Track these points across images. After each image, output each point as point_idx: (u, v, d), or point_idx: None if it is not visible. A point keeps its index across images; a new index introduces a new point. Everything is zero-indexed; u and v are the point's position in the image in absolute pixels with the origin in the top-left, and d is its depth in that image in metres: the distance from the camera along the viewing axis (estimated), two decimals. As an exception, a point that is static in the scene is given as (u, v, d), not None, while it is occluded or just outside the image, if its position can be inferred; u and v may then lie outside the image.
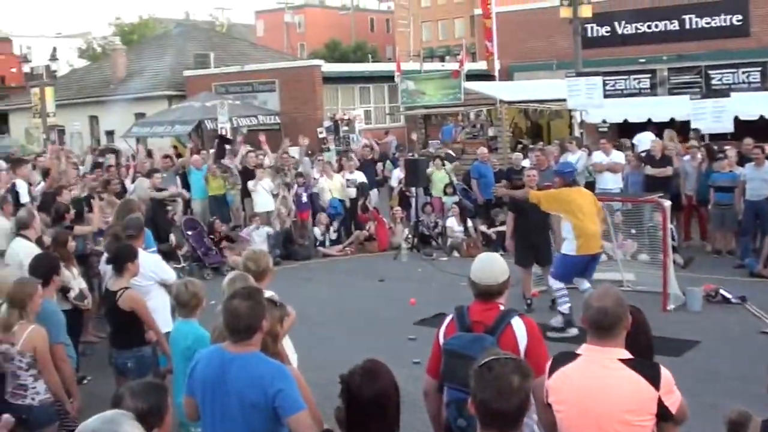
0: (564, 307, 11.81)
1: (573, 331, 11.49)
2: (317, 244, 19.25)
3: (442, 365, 5.23)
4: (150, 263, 8.61)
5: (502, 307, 5.33)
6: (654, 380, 4.34)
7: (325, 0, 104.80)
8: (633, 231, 15.99)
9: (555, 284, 12.08)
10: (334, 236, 19.47)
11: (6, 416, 5.75)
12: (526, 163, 18.82)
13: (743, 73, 21.35)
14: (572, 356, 4.55)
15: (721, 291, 13.57)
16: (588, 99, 20.97)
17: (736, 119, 19.50)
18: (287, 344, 6.40)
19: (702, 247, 17.95)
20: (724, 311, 13.08)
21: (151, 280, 8.60)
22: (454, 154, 24.13)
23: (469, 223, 18.98)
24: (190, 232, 17.73)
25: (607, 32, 38.22)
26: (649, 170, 17.66)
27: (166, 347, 7.58)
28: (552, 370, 4.58)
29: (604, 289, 4.64)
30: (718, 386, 9.38)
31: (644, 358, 4.61)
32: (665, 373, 4.41)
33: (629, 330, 4.55)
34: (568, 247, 11.87)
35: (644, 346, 4.77)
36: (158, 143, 33.71)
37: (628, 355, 4.43)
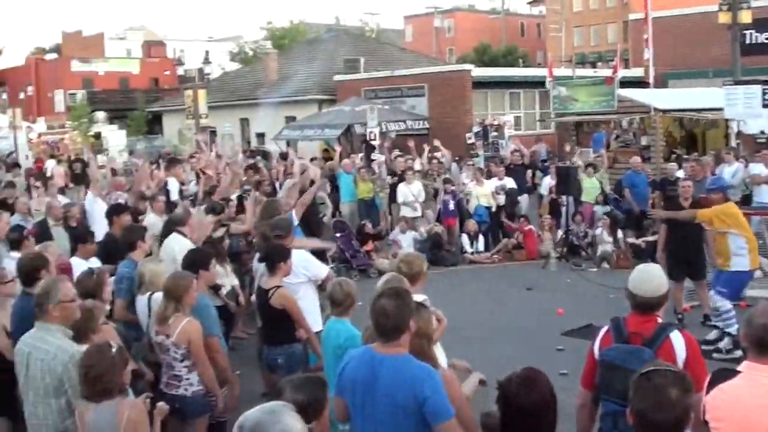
0: (733, 329, 11.32)
1: (738, 353, 11.05)
2: (463, 251, 19.20)
3: (598, 377, 5.16)
4: (301, 261, 8.68)
5: (659, 320, 5.21)
6: None
7: (475, 4, 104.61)
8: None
9: (724, 305, 11.51)
10: (481, 244, 19.35)
11: (161, 404, 5.93)
12: (680, 173, 18.28)
13: None
14: (732, 373, 4.43)
15: None
16: (746, 108, 20.33)
17: None
18: (438, 349, 6.40)
19: None
20: None
21: (303, 278, 8.68)
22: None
23: (620, 234, 18.58)
24: (338, 234, 17.98)
25: (767, 39, 36.93)
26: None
27: (316, 345, 7.69)
28: (710, 387, 4.46)
29: (765, 306, 4.47)
30: None
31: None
32: None
33: None
34: (742, 263, 11.38)
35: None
36: (308, 146, 34.35)
37: None
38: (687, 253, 12.81)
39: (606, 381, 5.04)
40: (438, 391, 4.65)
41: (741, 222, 11.48)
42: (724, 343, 11.40)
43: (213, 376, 6.99)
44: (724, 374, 4.47)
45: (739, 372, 4.38)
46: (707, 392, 4.45)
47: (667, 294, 5.29)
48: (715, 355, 10.65)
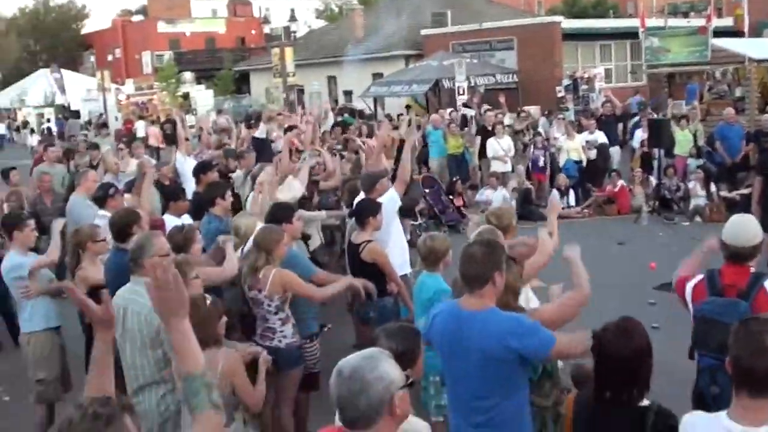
0: None
1: None
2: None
3: (693, 331, 5.11)
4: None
5: (752, 270, 5.13)
6: None
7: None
8: None
9: None
10: (572, 198, 19.15)
11: (264, 353, 6.05)
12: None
13: None
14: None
15: None
16: None
17: None
18: (532, 299, 6.42)
19: None
20: None
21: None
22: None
23: (713, 187, 18.21)
24: (427, 190, 17.99)
25: None
26: None
27: (407, 298, 7.74)
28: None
29: None
30: None
31: None
32: None
33: None
34: None
35: None
36: (395, 103, 34.34)
37: None
38: None
39: (702, 335, 5.00)
40: (528, 335, 4.55)
41: None
42: None
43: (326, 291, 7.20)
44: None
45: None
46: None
47: (761, 245, 5.21)
48: None
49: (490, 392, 4.61)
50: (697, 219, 17.37)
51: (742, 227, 5.22)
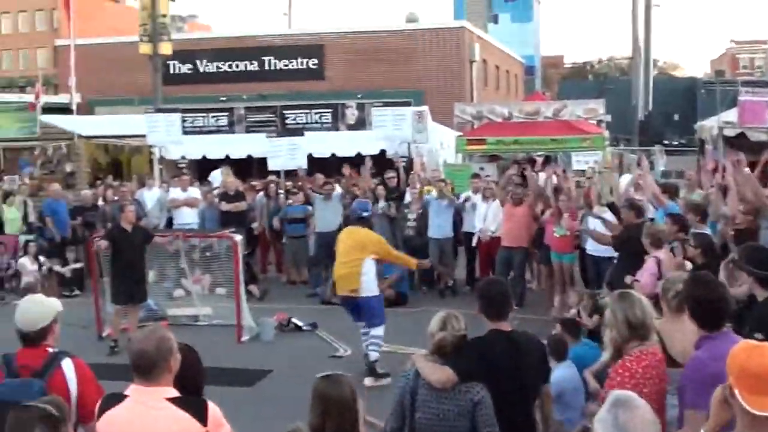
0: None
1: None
2: None
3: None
4: None
5: (50, 350, 5.17)
6: (201, 416, 4.40)
7: None
8: (210, 266, 16.15)
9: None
10: None
11: None
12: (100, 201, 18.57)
13: (316, 113, 22.44)
14: (120, 398, 4.48)
15: (293, 319, 14.13)
16: (167, 135, 21.04)
17: (310, 156, 20.48)
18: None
19: (278, 278, 18.64)
20: (296, 339, 13.64)
21: None
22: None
23: (43, 260, 18.20)
24: None
25: (189, 70, 38.83)
26: (224, 206, 17.95)
27: None
28: (100, 413, 4.49)
29: (147, 332, 4.62)
30: (288, 411, 9.59)
31: (194, 395, 4.63)
32: (212, 407, 4.48)
33: (180, 368, 4.57)
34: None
35: (191, 383, 4.76)
36: None
37: (175, 393, 4.44)
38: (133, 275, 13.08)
39: (-2, 418, 4.88)
40: None
41: None
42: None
43: None
44: (113, 399, 4.50)
45: (126, 396, 4.46)
46: (98, 417, 4.48)
47: (50, 326, 5.24)
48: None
49: None
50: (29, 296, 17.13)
51: (26, 309, 5.25)
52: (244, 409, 8.78)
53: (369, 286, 11.10)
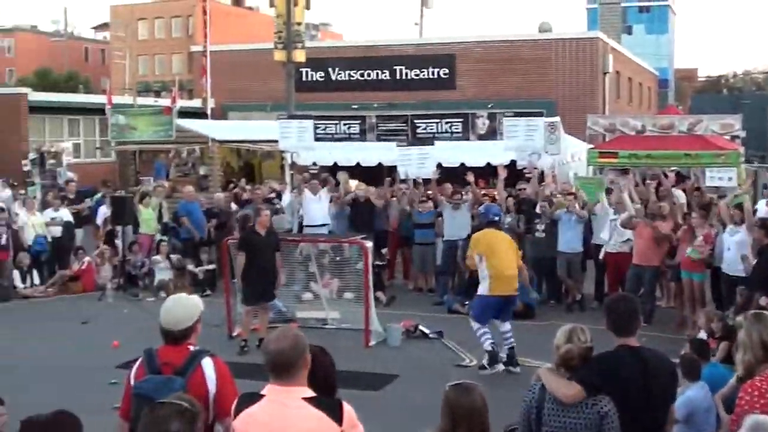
0: (487, 344, 11.92)
1: (499, 367, 11.87)
2: (15, 286, 18.13)
3: (132, 409, 5.09)
4: None
5: (192, 348, 5.26)
6: (336, 416, 4.43)
7: (38, 25, 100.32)
8: (339, 270, 16.34)
9: (474, 325, 12.09)
10: (36, 277, 18.44)
11: None
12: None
13: (446, 123, 22.38)
14: (257, 397, 4.55)
15: (420, 327, 14.16)
16: (299, 141, 21.30)
17: (439, 166, 20.48)
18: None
19: (404, 285, 18.72)
20: (423, 346, 13.65)
21: None
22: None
23: (178, 261, 18.71)
24: None
25: (321, 77, 39.33)
26: (353, 211, 18.18)
27: None
28: (237, 411, 4.57)
29: (281, 331, 4.68)
30: (414, 416, 9.69)
31: (328, 396, 4.66)
32: (347, 408, 4.52)
33: (314, 369, 4.62)
34: (483, 287, 12.01)
35: (324, 384, 4.80)
36: None
37: (310, 393, 4.49)
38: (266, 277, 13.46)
39: (138, 413, 4.98)
40: None
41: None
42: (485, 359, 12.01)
43: None
44: (249, 398, 4.57)
45: (263, 395, 4.53)
46: (235, 416, 4.56)
47: (194, 325, 5.34)
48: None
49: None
50: (162, 294, 17.58)
51: (172, 308, 5.33)
52: (371, 413, 8.77)
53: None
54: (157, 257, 18.62)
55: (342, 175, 20.03)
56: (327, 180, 19.59)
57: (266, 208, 15.70)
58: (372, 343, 13.60)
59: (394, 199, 19.03)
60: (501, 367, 11.89)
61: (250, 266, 13.37)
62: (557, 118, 21.33)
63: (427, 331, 14.13)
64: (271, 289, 13.60)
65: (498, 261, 11.84)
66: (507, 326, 12.18)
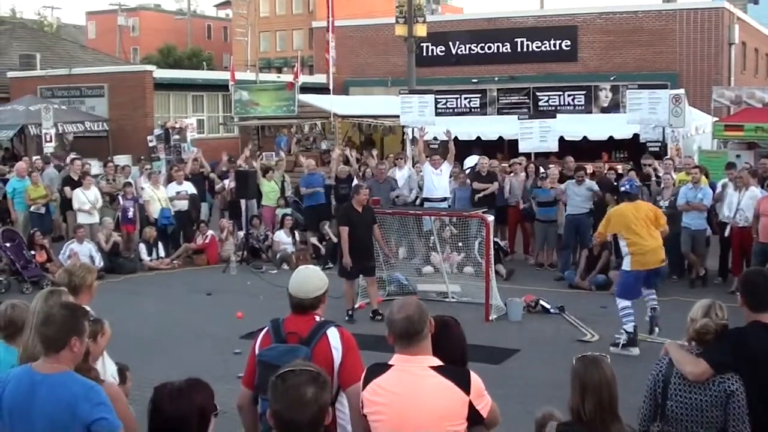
0: (629, 326, 11.68)
1: (635, 351, 11.48)
2: (141, 258, 18.69)
3: (257, 377, 5.16)
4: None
5: (317, 318, 5.30)
6: (464, 385, 4.43)
7: (161, 4, 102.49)
8: (460, 244, 16.31)
9: (619, 302, 11.84)
10: (162, 249, 18.95)
11: None
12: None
13: (569, 95, 22.06)
14: (385, 367, 4.57)
15: (541, 302, 14.04)
16: (420, 116, 21.31)
17: (561, 139, 20.22)
18: (106, 360, 6.14)
19: (525, 260, 18.58)
20: (544, 321, 13.54)
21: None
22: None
23: (298, 235, 18.97)
24: (8, 244, 16.88)
25: (441, 52, 39.15)
26: (476, 185, 18.09)
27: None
28: (366, 382, 4.59)
29: (404, 300, 4.70)
30: (535, 391, 9.65)
31: (457, 366, 4.66)
32: (475, 378, 4.51)
33: (444, 340, 4.66)
34: (626, 263, 11.75)
35: (458, 355, 4.81)
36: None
37: (438, 362, 4.50)
38: (361, 251, 13.53)
39: (263, 380, 5.02)
40: (103, 407, 4.41)
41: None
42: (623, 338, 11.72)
43: None
44: (378, 368, 4.59)
45: (391, 365, 4.55)
46: (364, 386, 4.59)
47: (323, 296, 5.37)
48: (611, 349, 11.23)
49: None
50: (285, 267, 17.86)
51: (302, 278, 5.35)
52: (492, 386, 8.70)
53: None
54: (280, 232, 18.88)
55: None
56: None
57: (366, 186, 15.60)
58: (492, 317, 13.54)
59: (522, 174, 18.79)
60: (637, 351, 11.39)
61: (349, 241, 13.53)
62: (682, 91, 20.79)
63: (548, 306, 13.98)
64: (370, 264, 13.78)
65: (636, 237, 11.52)
66: (651, 291, 11.98)
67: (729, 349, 5.17)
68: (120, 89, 34.09)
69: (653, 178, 17.12)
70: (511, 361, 11.44)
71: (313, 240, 18.89)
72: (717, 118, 24.24)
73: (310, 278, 5.37)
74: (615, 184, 16.39)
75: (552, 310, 13.89)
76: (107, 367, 6.00)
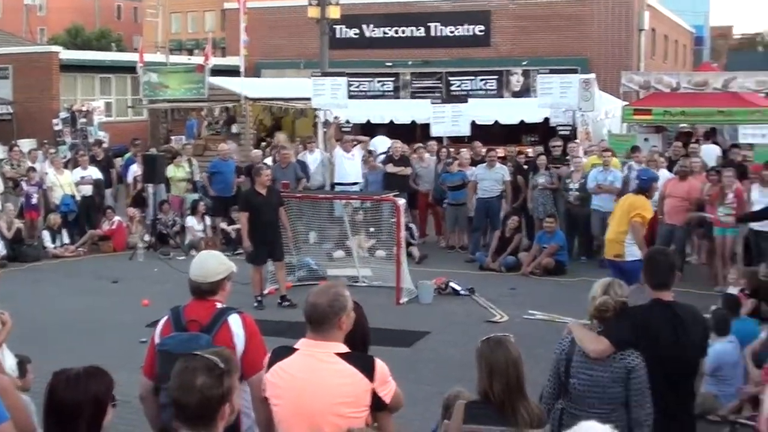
0: None
1: None
2: (44, 246, 18.16)
3: (158, 366, 5.05)
4: None
5: (219, 305, 5.19)
6: (368, 372, 4.40)
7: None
8: (371, 229, 16.27)
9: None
10: (66, 237, 18.45)
11: None
12: (268, 160, 18.77)
13: (481, 80, 22.13)
14: (290, 350, 4.53)
15: (451, 284, 14.12)
16: (332, 99, 21.18)
17: (473, 124, 20.31)
18: (5, 353, 5.96)
19: (437, 242, 18.66)
20: (454, 303, 13.65)
21: None
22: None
23: (209, 221, 18.69)
24: None
25: (355, 34, 39.13)
26: (390, 168, 18.10)
27: None
28: (270, 364, 4.56)
29: (324, 287, 4.65)
30: (445, 372, 9.71)
31: (360, 351, 4.66)
32: (380, 364, 4.48)
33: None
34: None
35: (360, 339, 4.78)
36: None
37: (345, 349, 4.47)
38: (268, 236, 13.33)
39: (164, 370, 4.91)
40: None
41: None
42: None
43: None
44: (283, 351, 4.55)
45: (297, 349, 4.50)
46: (267, 369, 4.56)
47: (224, 280, 5.27)
48: None
49: None
50: (193, 253, 17.52)
51: (202, 263, 5.27)
52: (403, 369, 8.75)
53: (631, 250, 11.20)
54: (191, 218, 18.58)
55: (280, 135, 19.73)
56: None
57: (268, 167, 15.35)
58: (404, 300, 13.56)
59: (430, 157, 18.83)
60: None
61: (253, 226, 13.30)
62: (592, 75, 21.05)
63: (458, 287, 14.08)
64: (277, 247, 13.53)
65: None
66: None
67: (630, 327, 5.33)
68: (25, 71, 33.10)
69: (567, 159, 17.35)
70: (421, 343, 11.51)
71: (223, 225, 18.64)
72: (626, 103, 24.66)
73: (208, 262, 5.28)
74: (525, 167, 16.58)
75: (462, 292, 14.00)
76: (6, 360, 5.83)
